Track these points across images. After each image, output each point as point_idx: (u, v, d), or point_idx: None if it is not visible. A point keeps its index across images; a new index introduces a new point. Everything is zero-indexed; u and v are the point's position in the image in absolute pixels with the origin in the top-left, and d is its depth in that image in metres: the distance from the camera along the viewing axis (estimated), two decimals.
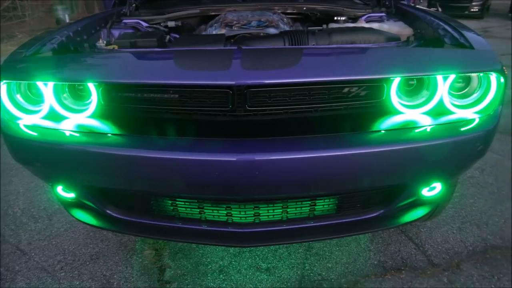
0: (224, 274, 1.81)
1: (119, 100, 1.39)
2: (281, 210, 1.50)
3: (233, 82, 1.24)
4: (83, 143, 1.33)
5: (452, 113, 1.38)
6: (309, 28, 1.80)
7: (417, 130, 1.34)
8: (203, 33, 2.13)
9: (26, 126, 1.40)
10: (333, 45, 1.65)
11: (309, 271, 1.82)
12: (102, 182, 1.47)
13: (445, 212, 2.13)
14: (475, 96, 1.40)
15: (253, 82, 1.25)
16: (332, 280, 1.76)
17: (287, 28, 1.98)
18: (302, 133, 1.32)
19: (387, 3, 2.25)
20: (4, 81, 1.36)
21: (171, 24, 2.21)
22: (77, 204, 1.65)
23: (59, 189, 1.61)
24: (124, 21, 2.15)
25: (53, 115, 1.42)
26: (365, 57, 1.40)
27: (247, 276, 1.79)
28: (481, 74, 1.36)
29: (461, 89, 1.43)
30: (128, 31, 2.01)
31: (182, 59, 1.40)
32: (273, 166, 1.25)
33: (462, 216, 2.18)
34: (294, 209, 1.50)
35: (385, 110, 1.38)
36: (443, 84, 1.34)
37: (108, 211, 1.58)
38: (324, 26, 2.10)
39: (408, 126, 1.35)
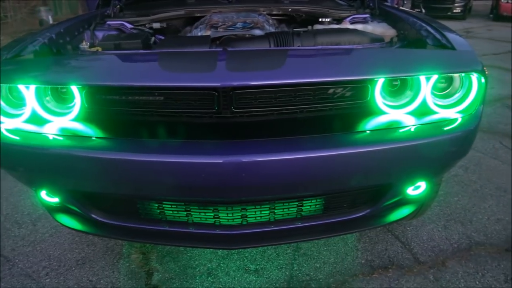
0: (213, 276, 1.80)
1: (104, 103, 1.37)
2: (268, 211, 1.50)
3: (218, 84, 1.24)
4: (67, 146, 1.31)
5: (435, 113, 1.40)
6: (294, 29, 1.81)
7: (401, 130, 1.35)
8: (189, 34, 2.11)
9: (7, 130, 1.37)
10: (318, 47, 1.66)
11: (298, 272, 1.82)
12: (87, 186, 1.45)
13: (430, 210, 2.16)
14: (457, 96, 1.42)
15: (238, 84, 1.25)
16: (320, 280, 1.77)
17: (272, 30, 1.99)
18: (288, 134, 1.32)
19: (371, 4, 2.27)
20: None
21: (156, 25, 2.19)
22: (61, 208, 1.63)
23: (43, 194, 1.58)
24: (108, 22, 2.12)
25: (35, 119, 1.40)
26: (349, 58, 1.41)
27: (236, 278, 1.79)
28: (463, 75, 1.39)
29: (444, 89, 1.45)
30: (112, 33, 1.99)
31: (167, 61, 1.39)
32: (259, 168, 1.25)
33: (447, 214, 2.21)
34: (281, 210, 1.51)
35: (370, 111, 1.40)
36: (426, 84, 1.36)
37: (93, 216, 1.56)
38: (309, 27, 2.12)
39: (392, 126, 1.37)
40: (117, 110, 1.38)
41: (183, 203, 1.48)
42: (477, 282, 1.73)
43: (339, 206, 1.57)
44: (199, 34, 1.96)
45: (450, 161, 1.53)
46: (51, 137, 1.34)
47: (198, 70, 1.30)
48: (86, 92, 1.36)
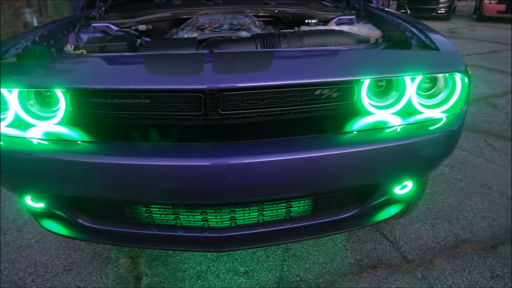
0: (202, 279, 1.79)
1: (89, 106, 1.36)
2: (257, 213, 1.50)
3: (205, 86, 1.23)
4: (52, 151, 1.29)
5: (420, 112, 1.42)
6: (281, 31, 1.81)
7: (387, 130, 1.37)
8: (175, 36, 2.10)
9: None
10: (305, 48, 1.67)
11: (287, 273, 1.82)
12: (73, 191, 1.42)
13: (417, 209, 2.18)
14: (441, 96, 1.44)
15: (225, 86, 1.25)
16: (310, 281, 1.77)
17: (259, 31, 1.99)
18: (275, 136, 1.33)
19: (356, 6, 2.29)
20: None
21: (142, 27, 2.17)
22: (47, 214, 1.60)
23: (28, 199, 1.55)
24: (93, 24, 2.10)
25: (19, 123, 1.37)
26: (335, 59, 1.42)
27: (226, 281, 1.78)
28: (447, 75, 1.41)
29: (428, 90, 1.47)
30: (97, 35, 1.97)
31: (153, 63, 1.38)
32: (247, 170, 1.25)
33: (434, 212, 2.24)
34: (270, 211, 1.51)
35: (357, 111, 1.41)
36: (411, 85, 1.38)
37: (80, 220, 1.54)
38: (296, 29, 2.12)
39: (379, 127, 1.38)
40: (103, 114, 1.36)
41: (171, 207, 1.47)
42: (464, 279, 1.76)
43: (327, 206, 1.57)
44: (186, 36, 1.95)
45: (435, 160, 1.55)
46: (35, 141, 1.32)
47: (185, 73, 1.30)
48: (71, 96, 1.34)
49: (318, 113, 1.38)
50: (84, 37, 1.96)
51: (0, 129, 1.34)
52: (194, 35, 1.88)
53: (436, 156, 1.50)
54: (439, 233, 2.07)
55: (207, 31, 1.89)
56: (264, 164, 1.25)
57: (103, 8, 2.29)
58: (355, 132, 1.36)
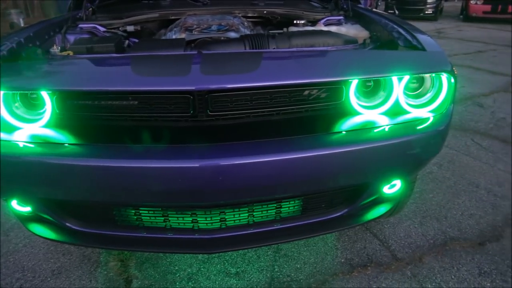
0: (193, 281, 1.78)
1: (75, 109, 1.34)
2: (247, 214, 1.50)
3: (193, 87, 1.23)
4: (38, 154, 1.27)
5: (407, 112, 1.44)
6: (269, 31, 1.82)
7: (376, 130, 1.38)
8: (163, 37, 2.09)
9: None
10: (293, 49, 1.67)
11: (278, 273, 1.83)
12: (60, 194, 1.41)
13: (407, 207, 2.21)
14: (428, 96, 1.46)
15: (214, 87, 1.25)
16: (301, 281, 1.78)
17: (247, 32, 1.99)
18: (265, 137, 1.33)
19: (344, 6, 2.30)
20: None
21: (129, 28, 2.15)
22: (34, 218, 1.58)
23: (14, 203, 1.53)
24: (80, 25, 2.07)
25: (4, 126, 1.35)
26: (324, 60, 1.43)
27: (217, 282, 1.78)
28: (433, 75, 1.42)
29: (416, 90, 1.49)
30: (84, 36, 1.94)
31: (141, 64, 1.37)
32: (237, 171, 1.25)
33: (423, 211, 2.26)
34: (260, 212, 1.51)
35: (345, 112, 1.42)
36: (398, 85, 1.39)
37: (67, 224, 1.52)
38: (285, 29, 2.13)
39: (367, 127, 1.39)
40: (90, 116, 1.35)
41: (160, 209, 1.46)
42: (453, 277, 1.78)
43: (317, 206, 1.58)
44: (174, 37, 1.94)
45: (423, 159, 1.56)
46: (21, 144, 1.30)
47: (173, 74, 1.29)
48: (57, 98, 1.33)
49: (307, 114, 1.39)
50: (71, 38, 1.94)
51: None
52: (183, 36, 1.87)
53: (424, 155, 1.51)
54: (428, 231, 2.09)
55: (196, 32, 1.88)
56: (254, 165, 1.25)
57: (90, 9, 2.26)
58: (343, 132, 1.37)
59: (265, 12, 2.30)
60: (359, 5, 2.45)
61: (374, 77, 1.40)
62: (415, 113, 1.44)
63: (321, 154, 1.28)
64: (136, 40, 1.98)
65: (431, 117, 1.43)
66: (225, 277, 1.81)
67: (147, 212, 1.48)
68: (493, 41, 8.08)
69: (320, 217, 1.59)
